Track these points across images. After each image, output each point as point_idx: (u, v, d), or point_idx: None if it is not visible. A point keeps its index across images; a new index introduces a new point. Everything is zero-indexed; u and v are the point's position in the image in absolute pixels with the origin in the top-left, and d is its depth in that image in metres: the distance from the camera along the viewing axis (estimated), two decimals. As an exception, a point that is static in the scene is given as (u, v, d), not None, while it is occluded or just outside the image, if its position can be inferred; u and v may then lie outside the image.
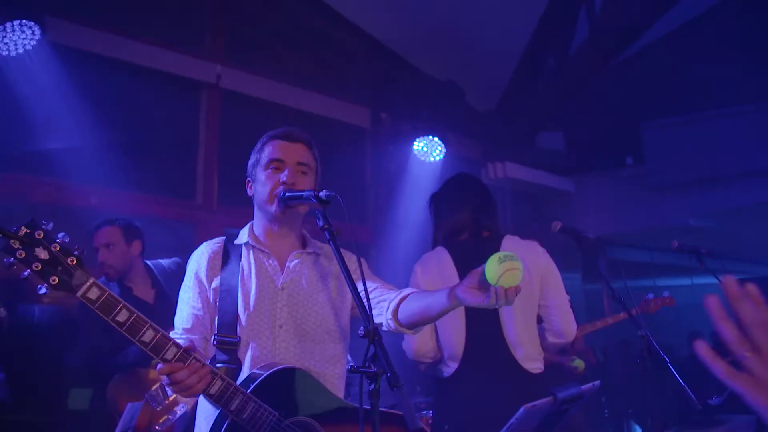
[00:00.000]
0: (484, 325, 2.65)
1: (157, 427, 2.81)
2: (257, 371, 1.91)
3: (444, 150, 5.64)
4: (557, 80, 6.57)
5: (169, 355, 1.73)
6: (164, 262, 3.72)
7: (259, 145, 2.18)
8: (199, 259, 2.14)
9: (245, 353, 2.02)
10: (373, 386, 1.55)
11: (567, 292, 4.99)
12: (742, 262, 9.93)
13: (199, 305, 2.08)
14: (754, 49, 6.74)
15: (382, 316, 1.99)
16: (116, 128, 4.32)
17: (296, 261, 2.14)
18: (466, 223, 2.83)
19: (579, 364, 3.41)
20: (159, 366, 1.74)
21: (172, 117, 4.91)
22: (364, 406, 1.53)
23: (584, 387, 1.52)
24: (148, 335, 1.71)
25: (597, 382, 1.57)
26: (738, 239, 8.65)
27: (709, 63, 6.86)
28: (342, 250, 2.21)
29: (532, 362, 2.66)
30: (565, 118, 7.26)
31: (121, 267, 3.42)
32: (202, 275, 2.11)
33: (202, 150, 5.03)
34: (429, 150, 5.60)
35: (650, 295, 4.81)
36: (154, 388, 2.92)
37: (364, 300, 1.64)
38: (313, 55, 5.81)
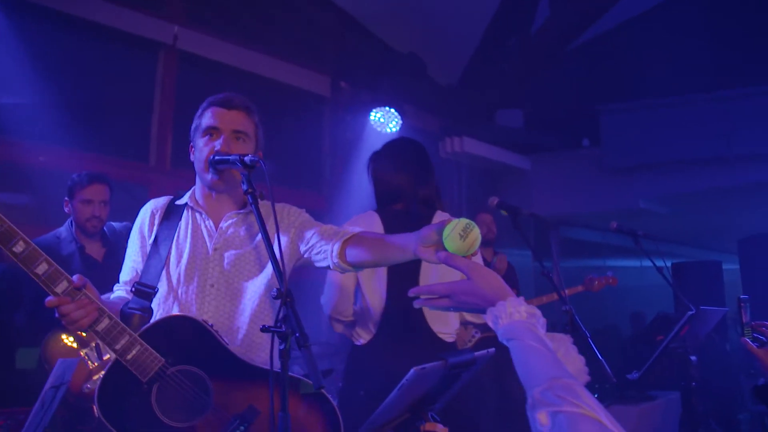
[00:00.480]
0: (404, 293, 2.68)
1: (88, 386, 2.83)
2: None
3: (400, 122, 5.68)
4: (518, 59, 6.63)
5: (59, 289, 1.79)
6: (116, 225, 3.82)
7: (199, 111, 2.18)
8: (143, 214, 2.23)
9: (167, 307, 2.08)
10: (283, 346, 1.60)
11: (517, 270, 5.11)
12: (680, 246, 10.21)
13: (139, 258, 2.17)
14: (709, 40, 6.87)
15: (328, 259, 2.02)
16: (68, 86, 4.26)
17: (230, 222, 2.17)
18: (404, 190, 2.77)
19: None
20: (48, 298, 1.79)
21: (126, 77, 4.85)
22: (270, 368, 1.56)
23: (477, 353, 1.59)
24: (41, 268, 1.77)
25: (491, 350, 1.64)
26: (686, 224, 8.87)
27: (666, 51, 7.00)
28: (287, 206, 2.26)
29: (447, 333, 2.71)
30: (524, 97, 7.35)
31: (104, 223, 3.62)
32: (145, 230, 2.20)
33: (156, 112, 4.98)
34: (386, 121, 5.64)
35: (594, 275, 4.95)
36: (89, 346, 2.94)
37: (280, 263, 1.67)
38: (274, 20, 5.76)
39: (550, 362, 1.09)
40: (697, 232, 9.84)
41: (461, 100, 6.97)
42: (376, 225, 2.71)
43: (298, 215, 2.22)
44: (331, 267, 2.04)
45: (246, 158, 1.86)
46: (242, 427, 1.83)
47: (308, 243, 2.11)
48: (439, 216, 2.80)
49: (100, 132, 4.50)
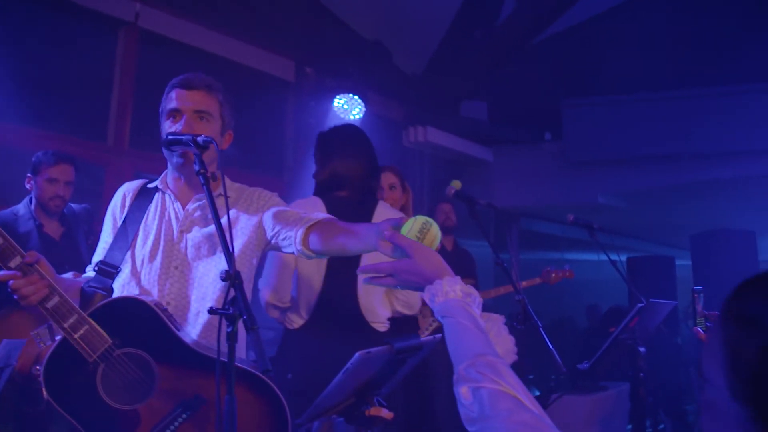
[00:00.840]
0: (340, 282, 2.67)
1: (38, 367, 2.79)
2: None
3: (364, 109, 5.66)
4: (484, 51, 6.66)
5: (12, 264, 1.80)
6: (75, 206, 3.86)
7: (165, 93, 2.17)
8: (116, 196, 2.25)
9: (130, 288, 2.08)
10: (230, 328, 1.59)
11: (478, 261, 5.15)
12: (636, 241, 10.42)
13: (110, 240, 2.18)
14: (671, 39, 7.00)
15: (292, 246, 2.02)
16: (25, 62, 4.16)
17: (197, 204, 2.15)
18: (351, 178, 2.77)
19: None
20: (1, 272, 1.80)
21: (86, 54, 4.73)
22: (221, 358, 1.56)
23: (424, 338, 1.60)
24: None
25: (438, 336, 1.65)
26: (643, 219, 9.04)
27: (630, 49, 7.10)
28: (259, 190, 2.25)
29: (380, 322, 2.73)
30: (489, 89, 7.39)
31: (66, 203, 3.67)
32: (117, 212, 2.22)
33: (116, 90, 4.88)
34: (349, 108, 5.61)
35: (551, 267, 5.02)
36: (40, 327, 2.89)
37: (229, 245, 1.67)
38: (239, 2, 5.69)
39: (477, 340, 1.12)
40: (652, 228, 10.03)
41: (426, 90, 6.98)
42: (319, 211, 2.71)
43: (268, 199, 2.22)
44: (296, 254, 2.04)
45: (199, 138, 1.84)
46: (185, 415, 1.82)
47: (274, 229, 2.10)
48: (381, 207, 2.81)
49: (56, 110, 4.40)
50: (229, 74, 5.34)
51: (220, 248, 2.10)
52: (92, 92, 4.83)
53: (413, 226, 1.43)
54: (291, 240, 2.03)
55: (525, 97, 7.47)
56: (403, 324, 3.33)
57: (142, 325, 1.90)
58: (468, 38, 6.68)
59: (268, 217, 2.13)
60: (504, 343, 1.21)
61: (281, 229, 2.08)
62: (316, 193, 2.83)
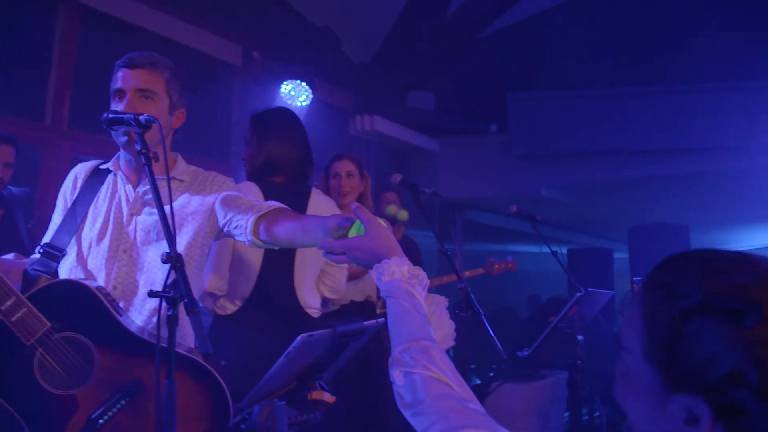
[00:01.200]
0: (277, 268, 2.66)
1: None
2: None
3: (311, 96, 5.62)
4: (432, 42, 6.69)
5: None
6: (14, 189, 3.76)
7: (113, 74, 2.11)
8: (68, 178, 2.20)
9: (77, 272, 2.03)
10: (171, 312, 1.57)
11: (422, 250, 5.20)
12: (577, 234, 10.68)
13: (59, 221, 2.13)
14: (614, 38, 7.16)
15: (243, 235, 2.00)
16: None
17: (148, 187, 2.09)
18: (289, 164, 2.74)
19: None
20: None
21: (23, 30, 4.57)
22: (161, 344, 1.53)
23: (367, 323, 1.61)
24: None
25: (381, 320, 1.66)
26: (583, 213, 9.25)
27: (576, 45, 7.24)
28: (213, 174, 2.21)
29: (313, 308, 2.75)
30: (436, 79, 7.43)
31: (5, 185, 3.57)
32: (67, 194, 2.17)
33: (55, 69, 4.72)
34: (296, 94, 5.57)
35: (494, 258, 5.08)
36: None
37: (171, 226, 1.64)
38: (186, -18, 5.57)
39: (414, 324, 1.15)
40: (592, 221, 10.29)
41: (374, 79, 6.97)
42: (255, 196, 2.67)
43: (221, 184, 2.17)
44: (247, 243, 2.00)
45: (141, 117, 1.80)
46: (123, 401, 1.79)
47: (226, 216, 2.07)
48: (315, 194, 2.82)
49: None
50: (175, 56, 5.12)
51: (184, 231, 2.07)
52: (30, 70, 4.66)
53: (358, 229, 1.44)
54: (242, 229, 2.00)
55: (472, 89, 7.55)
56: (360, 310, 3.35)
57: (83, 309, 1.86)
58: (417, 29, 6.70)
59: (219, 204, 2.09)
60: (444, 327, 1.23)
61: (233, 216, 2.04)
62: (250, 177, 2.77)
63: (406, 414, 1.05)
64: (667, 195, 8.06)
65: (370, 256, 1.34)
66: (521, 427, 4.90)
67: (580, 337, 3.34)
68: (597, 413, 5.70)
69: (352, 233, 1.45)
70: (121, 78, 2.05)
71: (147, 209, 2.08)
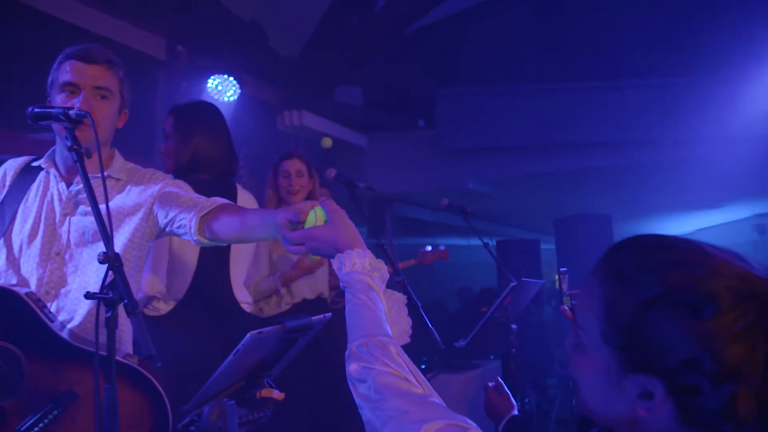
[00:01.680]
0: (212, 265, 2.63)
1: None
2: None
3: (239, 91, 5.53)
4: (360, 36, 6.69)
5: None
6: None
7: (56, 63, 1.97)
8: None
9: (8, 276, 1.91)
10: (110, 313, 1.51)
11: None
12: (504, 226, 10.94)
13: None
14: (538, 35, 7.35)
15: (187, 234, 1.91)
16: None
17: (81, 186, 1.97)
18: (216, 161, 2.69)
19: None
20: None
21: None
22: (99, 352, 1.47)
23: (314, 318, 1.59)
24: None
25: (328, 315, 1.66)
26: (510, 205, 9.47)
27: (501, 42, 7.39)
28: (151, 170, 2.11)
29: (246, 302, 2.74)
30: (364, 75, 7.44)
31: None
32: None
33: (-36, 61, 4.48)
34: (223, 89, 5.46)
35: (427, 248, 5.11)
36: None
37: (107, 225, 1.57)
38: (106, -27, 5.37)
39: (372, 319, 1.15)
40: (519, 213, 10.53)
41: (301, 74, 6.91)
42: None
43: (160, 180, 2.07)
44: (193, 243, 1.92)
45: (71, 111, 1.70)
46: (55, 411, 1.70)
47: (168, 215, 1.97)
48: (240, 191, 2.79)
49: None
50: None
51: (120, 231, 1.98)
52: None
53: (318, 217, 1.42)
54: (186, 228, 1.91)
55: (399, 84, 7.59)
56: (312, 308, 3.32)
57: (11, 316, 1.75)
58: (344, 23, 6.68)
59: (159, 203, 2.00)
60: (401, 323, 1.23)
61: (176, 215, 1.95)
62: (175, 173, 2.64)
63: (365, 407, 1.04)
64: (590, 187, 8.34)
65: (330, 247, 1.33)
66: (455, 418, 4.96)
67: (513, 326, 3.41)
68: (527, 399, 5.85)
69: (309, 224, 1.42)
70: (73, 71, 1.92)
71: (81, 209, 1.97)
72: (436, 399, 1.02)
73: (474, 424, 0.93)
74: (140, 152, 5.70)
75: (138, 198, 2.04)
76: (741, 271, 0.83)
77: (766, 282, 0.82)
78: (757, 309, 0.80)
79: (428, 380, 3.66)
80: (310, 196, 3.53)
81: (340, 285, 1.26)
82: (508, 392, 2.20)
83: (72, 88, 1.92)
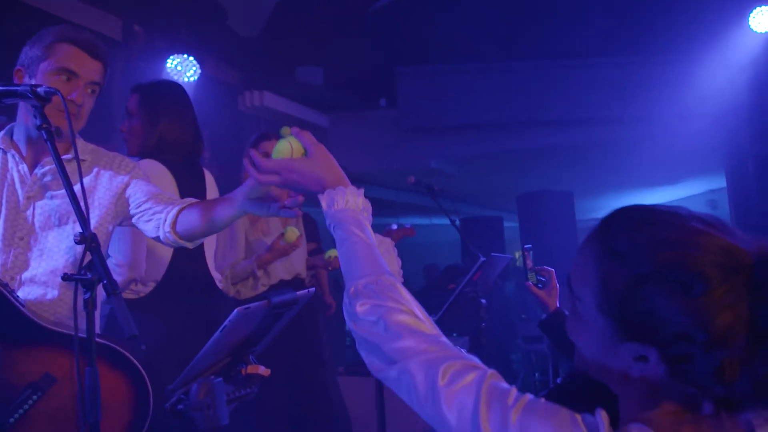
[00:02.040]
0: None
1: None
2: None
3: (199, 71, 5.43)
4: (320, 16, 6.62)
5: None
6: None
7: (49, 38, 1.88)
8: None
9: None
10: (88, 295, 1.48)
11: (317, 226, 5.20)
12: (467, 205, 11.03)
13: None
14: (500, 12, 7.37)
15: (159, 228, 1.88)
16: None
17: (48, 168, 1.92)
18: (184, 142, 2.66)
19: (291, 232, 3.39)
20: None
21: None
22: (79, 334, 1.45)
23: (299, 293, 1.60)
24: None
25: (312, 289, 1.66)
26: (473, 184, 9.54)
27: (463, 20, 7.38)
28: (120, 156, 2.06)
29: (217, 277, 2.77)
30: (325, 55, 7.37)
31: None
32: None
33: None
34: (183, 69, 5.36)
35: (393, 226, 5.13)
36: None
37: (82, 205, 1.54)
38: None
39: (373, 256, 1.12)
40: (482, 191, 10.62)
41: (262, 54, 6.82)
42: (167, 179, 2.59)
43: (132, 169, 2.03)
44: (162, 239, 1.89)
45: (39, 89, 1.66)
46: (35, 397, 1.67)
47: (139, 207, 1.95)
48: (206, 173, 2.80)
49: None
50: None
51: (73, 216, 1.92)
52: None
53: (293, 149, 1.28)
54: (159, 222, 1.88)
55: (361, 64, 7.55)
56: (291, 288, 3.34)
57: None
58: (305, 3, 6.60)
59: (134, 192, 1.97)
60: (392, 265, 1.23)
61: (148, 209, 1.93)
62: (142, 154, 2.63)
63: (371, 347, 1.01)
64: (552, 164, 8.45)
65: (311, 181, 1.23)
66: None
67: (483, 301, 3.46)
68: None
69: (281, 155, 1.28)
70: (76, 59, 1.87)
71: (48, 193, 1.93)
72: (445, 339, 1.01)
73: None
74: (98, 136, 5.56)
75: (108, 183, 2.00)
76: (726, 244, 0.88)
77: (749, 254, 0.87)
78: (742, 281, 0.85)
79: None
80: None
81: (327, 224, 1.18)
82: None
83: (69, 75, 1.87)
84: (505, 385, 0.90)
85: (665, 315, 0.86)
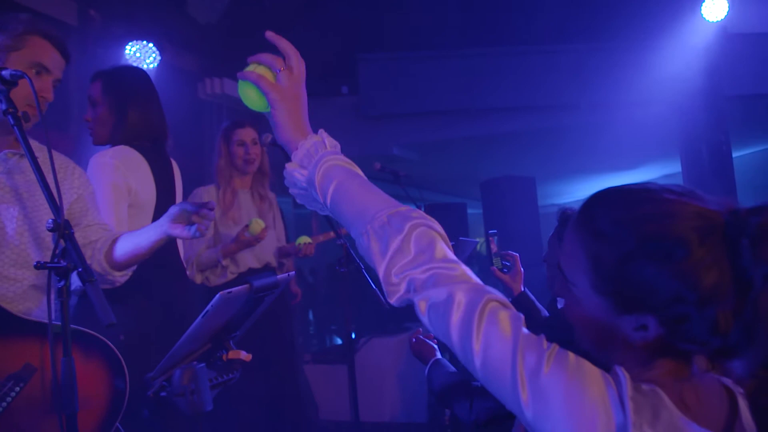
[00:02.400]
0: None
1: None
2: None
3: (159, 58, 5.33)
4: (280, 2, 6.56)
5: None
6: None
7: (20, 28, 1.86)
8: None
9: None
10: (63, 283, 1.46)
11: (284, 215, 5.19)
12: (430, 192, 11.10)
13: None
14: (462, 1, 7.41)
15: (93, 257, 1.88)
16: None
17: (13, 160, 1.89)
18: (152, 129, 2.66)
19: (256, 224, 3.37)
20: None
21: None
22: (53, 322, 1.43)
23: (279, 276, 1.60)
24: None
25: (292, 273, 1.67)
26: (435, 170, 9.59)
27: (424, 6, 7.40)
28: (73, 164, 2.04)
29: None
30: (286, 41, 7.31)
31: None
32: None
33: None
34: (143, 56, 5.25)
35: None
36: None
37: (55, 194, 1.51)
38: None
39: (375, 192, 1.10)
40: (445, 177, 10.68)
41: (221, 41, 6.73)
42: (143, 167, 2.56)
43: (85, 185, 2.04)
44: (97, 265, 1.91)
45: (4, 72, 1.62)
46: (17, 388, 1.64)
47: (81, 223, 1.97)
48: (171, 159, 2.79)
49: None
50: (-1, 14, 4.73)
51: (37, 206, 1.88)
52: None
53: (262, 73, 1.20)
54: (95, 250, 1.91)
55: (322, 51, 7.50)
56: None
57: None
58: (264, -12, 6.54)
59: (80, 209, 1.99)
60: None
61: (90, 227, 1.97)
62: (112, 142, 2.62)
63: (394, 271, 0.99)
64: (513, 150, 8.54)
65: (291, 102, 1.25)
66: (391, 379, 5.09)
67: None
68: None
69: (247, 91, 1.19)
70: (49, 55, 1.88)
71: (5, 183, 1.88)
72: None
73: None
74: (55, 125, 5.44)
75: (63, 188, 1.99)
76: (698, 209, 0.94)
77: (720, 213, 0.94)
78: (718, 240, 0.92)
79: (363, 345, 3.80)
80: (261, 167, 3.51)
81: (309, 174, 1.13)
82: (428, 340, 2.33)
83: (41, 69, 1.87)
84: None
85: (656, 283, 0.93)
